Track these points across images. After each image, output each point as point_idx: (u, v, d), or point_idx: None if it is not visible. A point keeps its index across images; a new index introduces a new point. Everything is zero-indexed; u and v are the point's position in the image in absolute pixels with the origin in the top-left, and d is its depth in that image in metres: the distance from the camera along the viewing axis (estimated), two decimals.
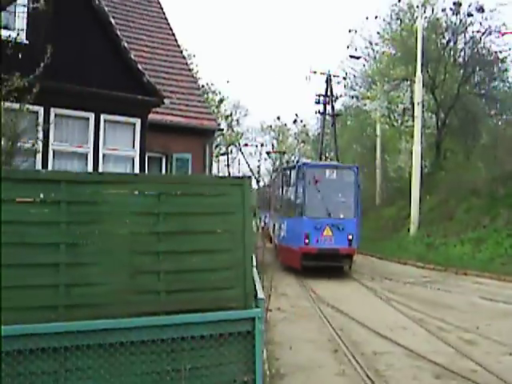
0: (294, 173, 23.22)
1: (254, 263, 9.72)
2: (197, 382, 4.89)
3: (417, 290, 17.45)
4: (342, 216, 21.02)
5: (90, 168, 12.81)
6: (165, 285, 5.21)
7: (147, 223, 5.22)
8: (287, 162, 65.47)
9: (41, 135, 11.70)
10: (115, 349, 4.66)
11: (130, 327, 4.70)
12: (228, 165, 72.40)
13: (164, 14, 23.01)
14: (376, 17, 41.58)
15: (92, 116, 12.91)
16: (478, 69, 35.60)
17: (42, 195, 4.72)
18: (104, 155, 13.12)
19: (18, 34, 10.62)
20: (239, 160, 74.12)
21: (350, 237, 20.93)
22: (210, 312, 4.99)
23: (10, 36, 10.34)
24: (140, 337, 4.72)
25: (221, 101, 52.05)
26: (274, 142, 78.57)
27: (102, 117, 13.05)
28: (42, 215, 4.76)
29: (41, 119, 11.81)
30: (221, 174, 58.48)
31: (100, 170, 12.89)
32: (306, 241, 20.64)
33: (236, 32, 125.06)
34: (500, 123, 37.20)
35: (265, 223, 33.36)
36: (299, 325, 12.21)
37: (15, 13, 11.55)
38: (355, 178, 21.99)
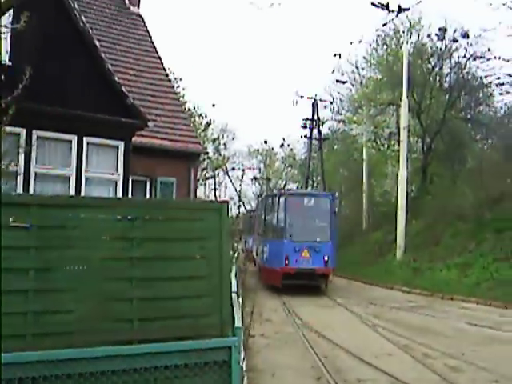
0: (275, 200, 25.70)
1: (235, 289, 9.59)
2: None
3: (403, 316, 17.29)
4: (318, 239, 23.17)
5: (73, 191, 12.64)
6: (138, 312, 5.06)
7: (121, 248, 5.08)
8: (273, 187, 65.97)
9: (22, 157, 11.55)
10: (85, 379, 4.44)
11: (101, 356, 4.49)
12: (215, 189, 72.29)
13: (150, 37, 23.01)
14: (360, 41, 42.00)
15: (75, 138, 12.76)
16: (463, 94, 35.88)
17: (10, 219, 4.57)
18: (87, 178, 12.95)
19: None
20: (226, 184, 74.11)
21: (326, 258, 22.99)
22: (185, 340, 4.81)
23: None
24: (111, 366, 4.51)
25: (208, 124, 51.90)
26: (261, 165, 78.67)
27: (85, 139, 12.91)
28: (11, 239, 4.60)
29: (22, 141, 11.64)
30: (208, 198, 58.44)
31: (82, 193, 12.73)
32: (286, 262, 22.68)
33: (223, 56, 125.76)
34: (486, 148, 37.42)
35: (249, 246, 36.00)
36: (283, 351, 12.01)
37: None
38: (331, 204, 24.57)
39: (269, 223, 26.65)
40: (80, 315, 4.83)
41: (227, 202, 5.90)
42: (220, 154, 65.37)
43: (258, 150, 76.93)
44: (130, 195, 14.43)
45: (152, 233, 5.23)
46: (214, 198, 63.49)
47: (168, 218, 5.35)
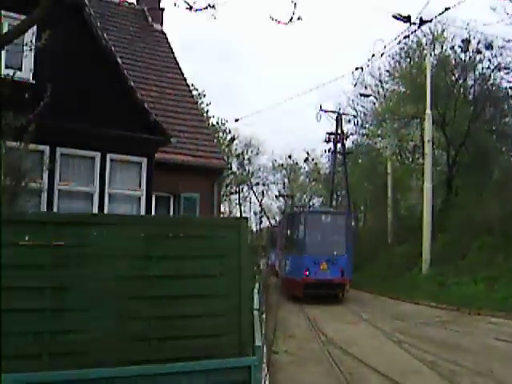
0: (296, 217, 28.92)
1: (257, 306, 9.51)
2: None
3: (429, 331, 17.03)
4: (335, 253, 25.83)
5: (96, 208, 12.68)
6: (156, 331, 5.00)
7: (139, 266, 5.04)
8: (298, 202, 66.32)
9: (46, 175, 11.61)
10: None
11: (119, 376, 4.45)
12: (240, 204, 72.34)
13: (173, 53, 23.11)
14: (382, 54, 41.88)
15: (98, 155, 12.80)
16: (488, 105, 35.49)
17: (26, 237, 4.55)
18: (110, 195, 12.98)
19: (16, 72, 10.53)
20: (250, 199, 74.13)
21: (342, 269, 25.76)
22: (204, 360, 4.74)
23: (13, 74, 10.25)
24: None
25: (232, 140, 52.06)
26: (286, 180, 78.61)
27: (108, 156, 12.94)
28: (26, 257, 4.58)
29: (46, 158, 11.70)
30: (232, 214, 58.39)
31: (106, 210, 12.76)
32: (307, 273, 25.16)
33: (247, 71, 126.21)
34: None
35: (272, 260, 38.73)
36: (307, 368, 11.88)
37: (22, 51, 11.54)
38: (346, 221, 27.86)
39: (290, 239, 28.97)
40: (96, 335, 4.79)
41: (246, 218, 5.83)
42: (244, 169, 65.52)
43: (282, 165, 76.98)
44: (153, 211, 14.44)
45: (170, 250, 5.18)
46: (238, 214, 63.60)
47: (186, 235, 5.30)
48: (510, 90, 34.53)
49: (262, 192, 75.82)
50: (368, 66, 54.18)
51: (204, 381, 4.61)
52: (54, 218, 4.88)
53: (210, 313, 5.21)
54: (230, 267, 5.30)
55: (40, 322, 4.58)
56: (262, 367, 9.36)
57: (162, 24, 24.04)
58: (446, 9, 18.24)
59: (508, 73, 33.59)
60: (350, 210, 31.24)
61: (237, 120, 46.18)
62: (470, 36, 34.30)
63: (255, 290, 12.00)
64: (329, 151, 46.34)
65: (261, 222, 71.42)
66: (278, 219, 59.86)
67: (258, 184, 72.86)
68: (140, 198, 13.45)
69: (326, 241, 26.11)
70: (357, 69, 42.26)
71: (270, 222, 66.08)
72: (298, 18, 7.82)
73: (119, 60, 13.41)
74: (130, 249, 5.05)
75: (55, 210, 11.90)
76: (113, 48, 13.48)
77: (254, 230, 61.22)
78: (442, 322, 18.61)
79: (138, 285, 5.05)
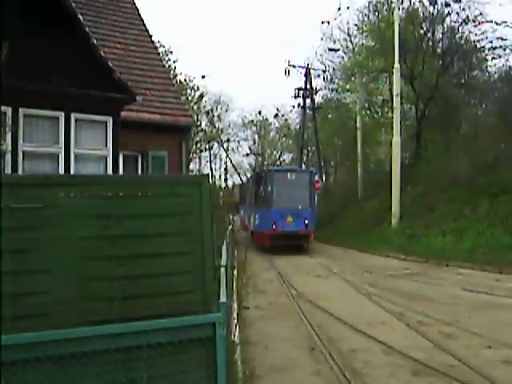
0: (264, 176, 31.46)
1: (224, 263, 9.54)
2: None
3: (398, 283, 17.30)
4: (299, 207, 28.34)
5: (62, 169, 12.53)
6: (119, 291, 4.97)
7: (99, 227, 4.99)
8: (268, 158, 66.93)
9: (9, 136, 11.41)
10: (66, 361, 4.37)
11: (82, 337, 4.41)
12: (210, 161, 72.17)
13: (137, 10, 22.66)
14: (348, 7, 41.70)
15: (62, 115, 12.59)
16: (456, 59, 35.46)
17: None
18: (76, 155, 12.81)
19: None
20: (221, 156, 74.05)
21: (306, 222, 28.19)
22: (168, 318, 4.73)
23: None
24: (93, 347, 4.42)
25: (201, 97, 51.60)
26: (256, 136, 78.47)
27: (73, 116, 12.74)
28: None
29: (9, 120, 11.49)
30: (202, 171, 58.29)
31: (72, 170, 12.61)
32: (274, 226, 27.70)
33: (214, 26, 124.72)
34: (480, 113, 37.17)
35: (242, 215, 41.03)
36: (277, 323, 11.99)
37: None
38: (310, 178, 30.22)
39: (259, 195, 31.26)
40: (59, 296, 4.75)
41: (207, 174, 5.78)
42: (214, 126, 65.19)
43: (252, 121, 76.70)
44: (120, 171, 14.33)
45: (130, 210, 5.13)
46: (209, 171, 63.52)
47: (146, 193, 5.24)
48: (478, 44, 34.53)
49: (233, 149, 75.71)
50: (335, 19, 53.97)
51: (167, 339, 4.61)
52: (13, 180, 4.78)
53: (173, 271, 5.20)
54: (191, 225, 5.26)
55: (0, 286, 4.52)
56: (233, 323, 9.49)
57: None
58: None
59: (476, 26, 33.54)
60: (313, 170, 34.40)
61: (203, 77, 45.65)
62: None
63: (223, 247, 12.04)
64: (298, 106, 46.31)
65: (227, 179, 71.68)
66: (248, 176, 60.60)
67: (228, 141, 72.63)
68: (106, 158, 13.31)
69: (291, 196, 28.31)
70: (323, 22, 42.01)
71: (241, 179, 66.26)
72: None
73: (81, 17, 13.08)
74: (92, 209, 4.98)
75: (20, 171, 11.74)
76: (74, 5, 13.13)
77: (224, 186, 61.35)
78: (411, 274, 18.92)
79: (99, 245, 5.00)
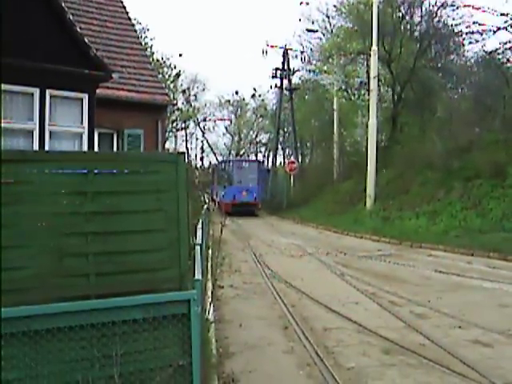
0: (227, 163, 47.20)
1: (200, 241, 9.57)
2: (130, 367, 4.65)
3: (371, 264, 17.48)
4: (250, 185, 41.74)
5: (36, 145, 12.39)
6: (94, 267, 4.97)
7: (74, 203, 4.97)
8: (244, 138, 67.59)
9: None
10: (41, 336, 4.37)
11: (57, 312, 4.41)
12: (186, 140, 71.94)
13: None
14: None
15: (37, 91, 12.40)
16: (433, 42, 35.63)
17: None
18: (51, 132, 12.68)
19: None
20: (197, 135, 73.87)
21: (255, 196, 42.24)
22: (143, 295, 4.75)
23: None
24: (68, 322, 4.43)
25: (177, 75, 51.27)
26: (233, 116, 78.29)
27: (48, 92, 12.55)
28: None
29: None
30: (178, 150, 58.20)
31: (47, 147, 12.47)
32: (234, 198, 41.17)
33: (191, 6, 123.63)
34: (455, 97, 37.45)
35: (211, 192, 52.27)
36: (251, 302, 12.09)
37: None
38: (258, 166, 46.03)
39: (224, 176, 45.23)
40: (34, 272, 4.74)
41: (183, 153, 5.77)
42: (190, 105, 64.91)
43: (229, 101, 76.54)
44: (96, 148, 14.22)
45: (106, 186, 5.11)
46: (185, 150, 63.29)
47: (122, 170, 5.24)
48: (455, 28, 34.66)
49: (209, 129, 75.57)
50: (319, 2, 53.68)
51: (143, 315, 4.63)
52: None
53: (149, 248, 5.20)
54: (167, 202, 5.27)
55: None
56: (208, 301, 9.54)
57: None
58: None
59: (454, 10, 33.65)
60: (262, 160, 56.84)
61: (181, 55, 45.24)
62: None
63: (199, 226, 12.06)
64: (276, 87, 46.25)
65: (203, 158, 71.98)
66: (224, 157, 65.61)
67: (204, 120, 72.43)
68: (82, 135, 13.19)
69: (245, 178, 41.92)
70: (301, 3, 41.89)
71: (217, 159, 66.33)
72: None
73: None
74: (65, 185, 4.97)
75: None
76: None
77: (200, 166, 61.66)
78: (385, 256, 19.10)
79: (74, 221, 4.98)
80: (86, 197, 5.00)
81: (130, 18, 21.96)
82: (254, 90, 69.81)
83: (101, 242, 5.03)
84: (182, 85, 58.35)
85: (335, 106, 41.69)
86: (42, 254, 4.80)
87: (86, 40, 13.25)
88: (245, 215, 39.29)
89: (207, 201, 29.99)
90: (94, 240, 5.00)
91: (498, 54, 31.11)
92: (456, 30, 34.63)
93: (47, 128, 12.56)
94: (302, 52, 45.53)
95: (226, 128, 78.09)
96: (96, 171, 5.06)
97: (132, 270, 5.10)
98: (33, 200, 4.81)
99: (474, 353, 8.07)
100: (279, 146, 49.51)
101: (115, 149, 17.70)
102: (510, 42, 29.11)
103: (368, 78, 34.49)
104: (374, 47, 30.13)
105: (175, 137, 62.64)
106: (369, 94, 32.70)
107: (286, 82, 45.44)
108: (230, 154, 76.75)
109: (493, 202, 21.89)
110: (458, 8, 33.04)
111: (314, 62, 46.20)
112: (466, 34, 33.42)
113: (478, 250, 18.52)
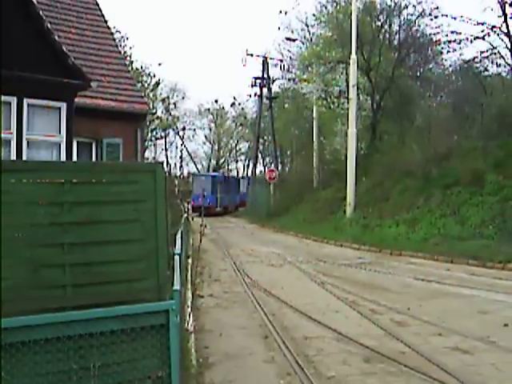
0: (192, 176, 58.92)
1: (179, 251, 9.51)
2: (108, 379, 4.58)
3: (351, 272, 17.51)
4: (205, 194, 48.06)
5: (14, 155, 12.27)
6: (71, 278, 4.92)
7: (51, 213, 4.91)
8: (224, 146, 68.30)
9: None
10: (17, 349, 4.29)
11: (33, 325, 4.35)
12: (166, 149, 71.78)
13: None
14: None
15: (14, 100, 12.30)
16: (412, 51, 35.94)
17: None
18: (28, 141, 12.57)
19: None
20: (176, 144, 73.76)
21: (210, 201, 51.94)
22: (121, 305, 4.69)
23: None
24: (44, 335, 4.35)
25: (157, 84, 51.15)
26: (212, 125, 78.29)
27: (25, 101, 12.45)
28: None
29: None
30: (158, 159, 58.18)
31: (24, 156, 12.36)
32: (196, 202, 45.99)
33: (171, 15, 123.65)
34: (434, 105, 37.74)
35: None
36: (231, 311, 12.04)
37: None
38: (213, 179, 56.09)
39: (192, 186, 55.23)
40: (9, 283, 4.66)
41: (162, 162, 5.74)
42: (170, 114, 64.78)
43: (208, 110, 76.58)
44: (74, 158, 14.12)
45: (83, 197, 5.06)
46: (164, 159, 63.17)
47: (99, 180, 5.19)
48: (433, 37, 34.98)
49: (189, 137, 75.47)
50: (293, 8, 53.99)
51: (121, 326, 4.58)
52: None
53: (127, 258, 5.17)
54: (145, 212, 5.23)
55: None
56: (187, 311, 9.48)
57: None
58: None
59: (432, 19, 33.97)
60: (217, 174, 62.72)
61: (160, 64, 45.27)
62: None
63: (178, 235, 11.99)
64: (255, 96, 46.33)
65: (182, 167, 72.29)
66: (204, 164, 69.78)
67: (184, 129, 72.33)
68: (60, 144, 13.09)
69: (203, 188, 49.18)
70: (281, 12, 41.96)
71: (196, 168, 66.58)
72: None
73: (34, 0, 12.82)
74: (43, 196, 4.91)
75: None
76: None
77: (180, 174, 62.01)
78: (365, 264, 19.16)
79: (51, 232, 4.93)
80: (64, 207, 4.95)
81: (108, 27, 21.88)
82: (234, 98, 70.01)
83: (78, 252, 4.98)
84: (161, 93, 58.26)
85: (315, 115, 41.81)
86: (18, 265, 4.74)
87: (65, 48, 13.16)
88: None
89: (187, 209, 29.55)
90: (71, 251, 4.95)
91: (476, 62, 31.55)
92: (434, 39, 35.02)
93: (25, 137, 12.43)
94: (281, 60, 45.73)
95: (206, 136, 78.09)
96: (74, 181, 5.01)
97: (110, 281, 5.06)
98: (9, 210, 4.74)
99: (453, 360, 8.08)
100: (259, 155, 49.73)
101: (94, 158, 17.57)
102: (487, 51, 29.48)
103: (347, 86, 34.61)
104: (353, 56, 30.29)
105: (155, 145, 62.60)
106: (348, 103, 32.85)
107: (265, 90, 45.54)
108: (210, 162, 76.76)
109: (471, 209, 22.06)
110: (436, 17, 33.43)
111: (294, 70, 46.41)
112: (444, 42, 33.83)
113: (458, 258, 18.65)
